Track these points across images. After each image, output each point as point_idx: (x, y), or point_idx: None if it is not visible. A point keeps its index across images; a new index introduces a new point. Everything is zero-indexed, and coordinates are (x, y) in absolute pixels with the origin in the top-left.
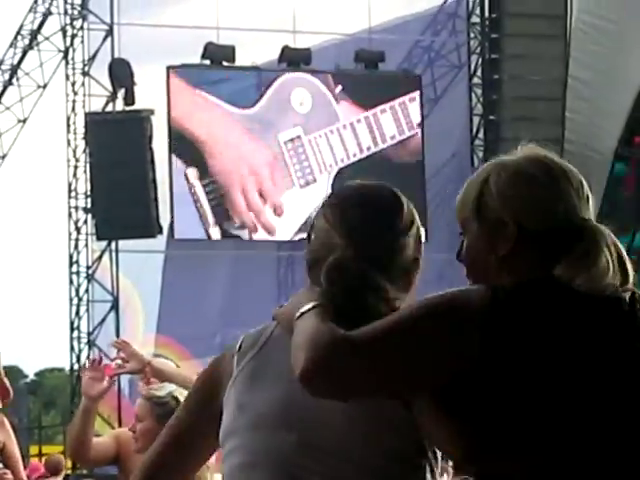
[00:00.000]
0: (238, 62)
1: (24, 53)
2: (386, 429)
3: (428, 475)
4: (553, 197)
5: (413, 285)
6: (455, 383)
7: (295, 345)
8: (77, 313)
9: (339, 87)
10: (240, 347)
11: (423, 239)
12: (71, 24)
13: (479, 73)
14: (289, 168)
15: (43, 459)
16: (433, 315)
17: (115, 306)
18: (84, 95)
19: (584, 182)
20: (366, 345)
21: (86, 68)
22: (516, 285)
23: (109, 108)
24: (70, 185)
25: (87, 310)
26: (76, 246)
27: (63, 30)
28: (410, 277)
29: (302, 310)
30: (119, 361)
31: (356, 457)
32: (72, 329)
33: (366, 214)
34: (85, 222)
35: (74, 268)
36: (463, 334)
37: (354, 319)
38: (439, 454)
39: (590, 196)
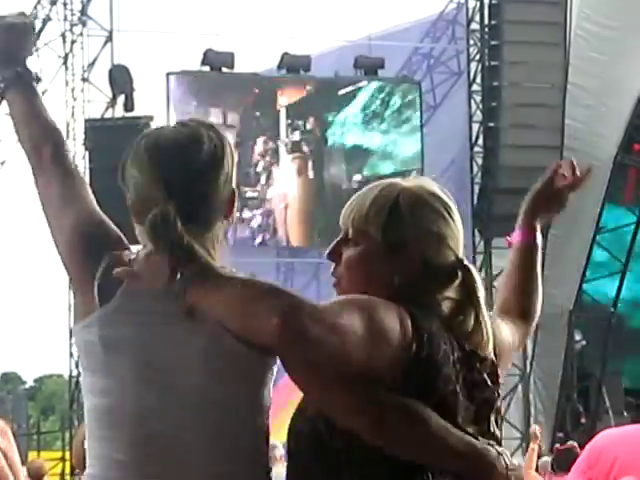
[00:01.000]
0: (237, 69)
1: None
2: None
3: None
4: (451, 235)
5: (233, 211)
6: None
7: (245, 300)
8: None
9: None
10: None
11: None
12: (71, 30)
13: (478, 80)
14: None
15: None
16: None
17: None
18: (83, 101)
19: (458, 217)
20: (327, 312)
21: (86, 74)
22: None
23: (108, 114)
24: None
25: None
26: None
27: (63, 36)
28: (230, 206)
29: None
30: None
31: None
32: (71, 335)
33: (179, 165)
34: None
35: None
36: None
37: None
38: None
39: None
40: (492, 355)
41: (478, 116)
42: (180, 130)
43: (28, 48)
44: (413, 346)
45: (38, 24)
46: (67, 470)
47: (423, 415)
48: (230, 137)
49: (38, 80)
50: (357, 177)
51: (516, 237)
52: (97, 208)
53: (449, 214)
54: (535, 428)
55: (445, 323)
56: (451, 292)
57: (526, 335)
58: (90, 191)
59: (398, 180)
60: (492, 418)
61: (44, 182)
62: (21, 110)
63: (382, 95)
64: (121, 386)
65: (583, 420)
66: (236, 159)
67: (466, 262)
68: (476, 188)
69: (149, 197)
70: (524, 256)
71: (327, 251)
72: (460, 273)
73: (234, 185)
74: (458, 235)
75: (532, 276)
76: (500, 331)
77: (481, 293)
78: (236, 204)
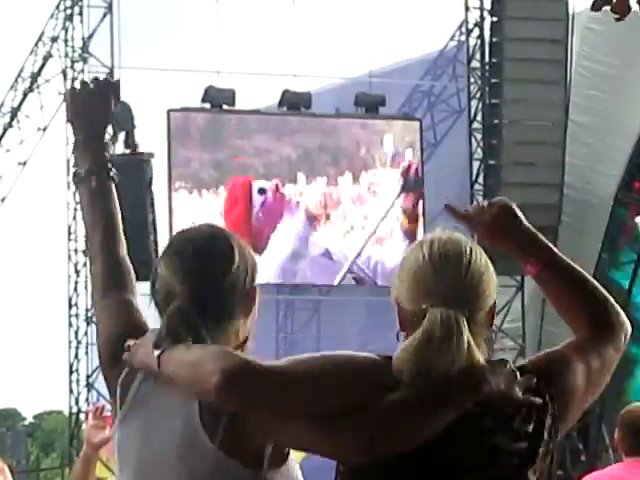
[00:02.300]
0: (238, 106)
1: (24, 96)
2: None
3: None
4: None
5: (252, 313)
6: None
7: (195, 364)
8: (76, 356)
9: None
10: None
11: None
12: (72, 67)
13: (479, 118)
14: None
15: None
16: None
17: None
18: None
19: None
20: (274, 368)
21: None
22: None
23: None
24: (69, 227)
25: (86, 353)
26: (75, 288)
27: (64, 73)
28: (246, 308)
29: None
30: None
31: None
32: (71, 372)
33: (198, 263)
34: (84, 265)
35: (73, 311)
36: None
37: None
38: None
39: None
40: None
41: (479, 154)
42: (206, 234)
43: (109, 116)
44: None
45: (39, 61)
46: None
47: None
48: None
49: (110, 175)
50: None
51: (530, 274)
52: (135, 302)
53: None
54: None
55: None
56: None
57: (618, 346)
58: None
59: (428, 236)
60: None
61: (93, 264)
62: (87, 201)
63: None
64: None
65: (583, 458)
66: (256, 262)
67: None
68: None
69: (171, 292)
70: (549, 282)
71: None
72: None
73: (254, 285)
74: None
75: (570, 290)
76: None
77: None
78: (256, 302)
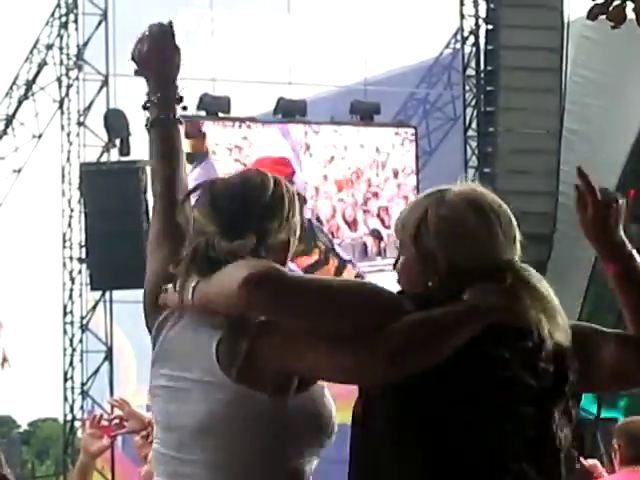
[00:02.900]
0: (233, 113)
1: (19, 103)
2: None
3: None
4: (482, 238)
5: (286, 258)
6: None
7: (222, 278)
8: (71, 363)
9: None
10: None
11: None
12: (66, 74)
13: (474, 125)
14: None
15: None
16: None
17: (109, 356)
18: (79, 145)
19: (513, 221)
20: (298, 276)
21: (81, 118)
22: None
23: (104, 158)
24: (64, 235)
25: (81, 360)
26: (70, 296)
27: (59, 80)
28: (280, 256)
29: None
30: (117, 421)
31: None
32: (65, 379)
33: (231, 203)
34: (79, 272)
35: (68, 318)
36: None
37: None
38: None
39: (517, 235)
40: (565, 345)
41: (474, 161)
42: (240, 178)
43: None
44: None
45: (34, 69)
46: None
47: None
48: None
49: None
50: None
51: (608, 273)
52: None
53: (484, 220)
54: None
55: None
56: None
57: None
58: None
59: (443, 188)
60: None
61: (154, 208)
62: (157, 143)
63: None
64: (155, 430)
65: (578, 466)
66: (297, 211)
67: (507, 263)
68: None
69: (202, 232)
70: (621, 286)
71: (393, 262)
72: (501, 274)
73: (290, 235)
74: (494, 240)
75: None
76: (603, 346)
77: (534, 281)
78: (290, 253)
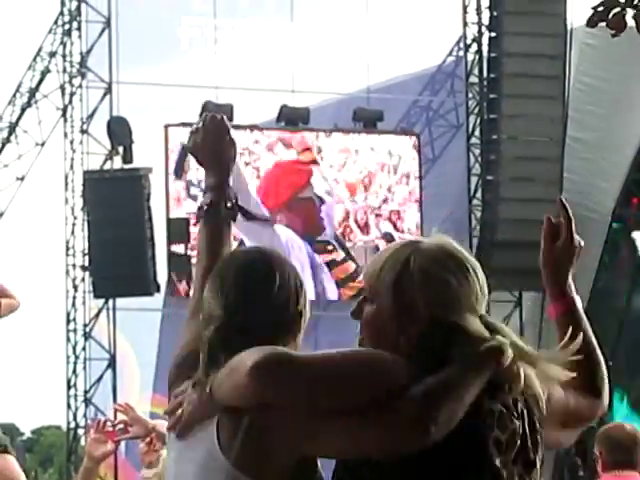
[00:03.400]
0: (236, 121)
1: (22, 111)
2: None
3: None
4: (465, 292)
5: (297, 334)
6: None
7: (233, 369)
8: (74, 371)
9: None
10: None
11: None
12: (70, 82)
13: (477, 133)
14: None
15: None
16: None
17: (112, 364)
18: (82, 153)
19: (483, 275)
20: (307, 358)
21: (84, 126)
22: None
23: (107, 166)
24: (67, 243)
25: (84, 368)
26: (73, 304)
27: (62, 88)
28: (290, 329)
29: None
30: (121, 426)
31: None
32: (69, 387)
33: (240, 289)
34: (82, 280)
35: (71, 326)
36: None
37: None
38: None
39: (484, 288)
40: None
41: (477, 169)
42: (251, 256)
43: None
44: None
45: (37, 76)
46: None
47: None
48: None
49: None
50: None
51: (550, 313)
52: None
53: (464, 272)
54: None
55: None
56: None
57: (593, 410)
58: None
59: (417, 239)
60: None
61: (192, 289)
62: (200, 236)
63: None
64: None
65: (581, 473)
66: (303, 286)
67: (487, 319)
68: (474, 241)
69: (211, 316)
70: (564, 328)
71: (351, 310)
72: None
73: (298, 308)
74: (474, 293)
75: (583, 348)
76: (554, 392)
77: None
78: (303, 326)
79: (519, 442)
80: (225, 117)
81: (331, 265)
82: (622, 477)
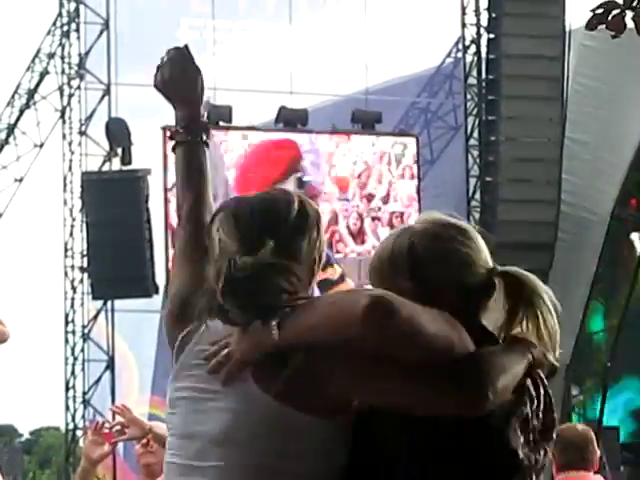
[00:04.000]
0: (235, 122)
1: (21, 112)
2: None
3: None
4: (475, 255)
5: (314, 278)
6: None
7: (332, 305)
8: (72, 372)
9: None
10: None
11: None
12: (68, 83)
13: (476, 134)
14: None
15: None
16: None
17: (110, 366)
18: (81, 154)
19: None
20: (409, 311)
21: (83, 127)
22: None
23: (106, 167)
24: (66, 244)
25: (82, 369)
26: (72, 305)
27: (60, 89)
28: (308, 274)
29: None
30: (118, 427)
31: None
32: (67, 388)
33: (255, 223)
34: (81, 281)
35: (69, 327)
36: None
37: None
38: None
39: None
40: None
41: (475, 171)
42: (264, 196)
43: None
44: None
45: (35, 78)
46: None
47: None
48: None
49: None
50: None
51: None
52: (206, 273)
53: (465, 237)
54: None
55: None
56: (499, 303)
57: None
58: (209, 255)
59: (407, 225)
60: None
61: (177, 235)
62: (183, 165)
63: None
64: (171, 442)
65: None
66: (323, 231)
67: (499, 268)
68: None
69: (226, 252)
70: None
71: None
72: (498, 280)
73: (316, 255)
74: (481, 250)
75: None
76: None
77: (534, 285)
78: (316, 271)
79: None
80: (188, 46)
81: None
82: (573, 478)
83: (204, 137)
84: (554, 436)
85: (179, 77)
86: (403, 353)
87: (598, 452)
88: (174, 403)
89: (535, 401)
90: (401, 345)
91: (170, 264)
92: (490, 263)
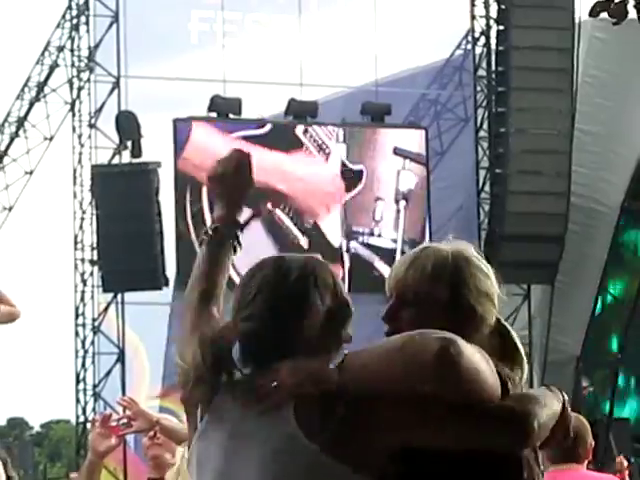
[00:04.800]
0: (244, 115)
1: (31, 105)
2: None
3: None
4: (494, 294)
5: (342, 335)
6: None
7: (396, 349)
8: (83, 365)
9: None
10: None
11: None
12: (78, 76)
13: (485, 126)
14: None
15: None
16: None
17: (121, 358)
18: (90, 147)
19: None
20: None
21: (93, 120)
22: None
23: (116, 160)
24: (76, 237)
25: (93, 362)
26: (82, 298)
27: (70, 82)
28: (326, 343)
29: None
30: (125, 420)
31: None
32: (78, 381)
33: (266, 301)
34: (91, 274)
35: (80, 320)
36: None
37: None
38: None
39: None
40: None
41: (485, 162)
42: (279, 267)
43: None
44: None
45: (45, 71)
46: None
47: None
48: None
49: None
50: None
51: None
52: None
53: (487, 273)
54: (621, 458)
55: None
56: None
57: None
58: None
59: (441, 245)
60: None
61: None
62: (204, 261)
63: None
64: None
65: (590, 467)
66: (331, 285)
67: (503, 322)
68: (483, 234)
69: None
70: None
71: (383, 313)
72: (500, 332)
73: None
74: (497, 292)
75: None
76: None
77: (521, 351)
78: (347, 324)
79: None
80: (251, 156)
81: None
82: (562, 471)
83: (233, 242)
84: None
85: (231, 177)
86: (465, 397)
87: (592, 442)
88: (202, 461)
89: None
90: (466, 391)
91: (180, 256)
92: (497, 305)
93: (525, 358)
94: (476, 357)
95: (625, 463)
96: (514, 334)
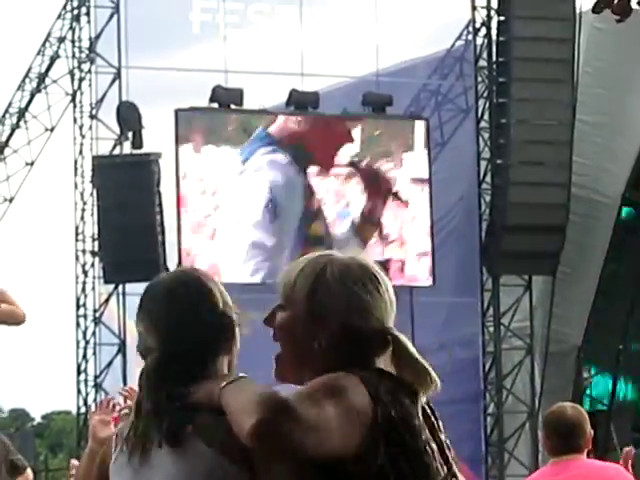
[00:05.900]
0: (246, 105)
1: (32, 96)
2: None
3: None
4: (375, 306)
5: (234, 345)
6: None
7: (237, 409)
8: (84, 356)
9: None
10: None
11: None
12: (79, 67)
13: (486, 117)
14: None
15: None
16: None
17: (122, 349)
18: (92, 138)
19: (391, 289)
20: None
21: (94, 111)
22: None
23: (117, 151)
24: (77, 228)
25: (94, 353)
26: (83, 289)
27: (71, 73)
28: (226, 343)
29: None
30: (126, 410)
31: None
32: (79, 372)
33: (172, 316)
34: (92, 265)
35: (81, 311)
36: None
37: None
38: None
39: (394, 303)
40: None
41: (486, 153)
42: (169, 278)
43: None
44: (378, 410)
45: (46, 61)
46: None
47: None
48: None
49: None
50: None
51: None
52: None
53: (375, 285)
54: (631, 448)
55: (394, 380)
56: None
57: None
58: None
59: (332, 252)
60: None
61: None
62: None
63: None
64: None
65: (591, 456)
66: (223, 294)
67: (394, 331)
68: (484, 225)
69: (147, 348)
70: None
71: (264, 317)
72: (390, 340)
73: (229, 315)
74: (384, 306)
75: None
76: None
77: (416, 356)
78: (236, 334)
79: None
80: None
81: None
82: (563, 462)
83: None
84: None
85: None
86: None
87: (591, 432)
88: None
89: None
90: (297, 449)
91: (182, 247)
92: (389, 322)
93: (429, 367)
94: (311, 412)
95: (633, 451)
96: (409, 345)
